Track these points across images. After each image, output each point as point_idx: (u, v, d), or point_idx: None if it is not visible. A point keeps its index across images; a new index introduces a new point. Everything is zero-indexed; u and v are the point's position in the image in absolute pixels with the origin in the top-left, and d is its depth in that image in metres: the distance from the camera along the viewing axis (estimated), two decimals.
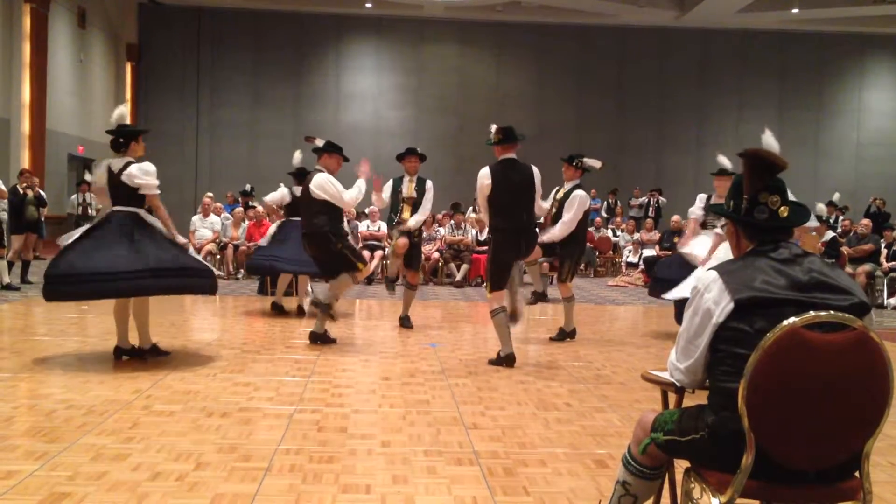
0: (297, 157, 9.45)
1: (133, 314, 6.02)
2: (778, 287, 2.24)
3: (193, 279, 5.88)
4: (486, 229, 13.39)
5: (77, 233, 5.90)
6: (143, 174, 5.84)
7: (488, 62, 22.67)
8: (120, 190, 5.86)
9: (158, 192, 5.98)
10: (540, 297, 8.07)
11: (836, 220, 15.82)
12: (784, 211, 2.42)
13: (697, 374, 2.42)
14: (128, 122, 6.46)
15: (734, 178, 2.53)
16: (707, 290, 2.33)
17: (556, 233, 7.27)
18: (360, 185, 6.89)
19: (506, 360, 6.19)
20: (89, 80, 20.14)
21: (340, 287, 6.89)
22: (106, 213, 6.03)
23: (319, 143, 6.97)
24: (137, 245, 5.64)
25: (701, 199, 7.80)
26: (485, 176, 6.14)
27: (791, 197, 2.49)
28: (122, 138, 6.00)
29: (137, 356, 6.04)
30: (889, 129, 23.12)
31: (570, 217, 7.24)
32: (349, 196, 6.73)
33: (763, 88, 22.81)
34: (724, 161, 7.70)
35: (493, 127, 6.35)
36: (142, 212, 5.94)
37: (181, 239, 6.11)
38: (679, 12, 21.33)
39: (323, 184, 6.66)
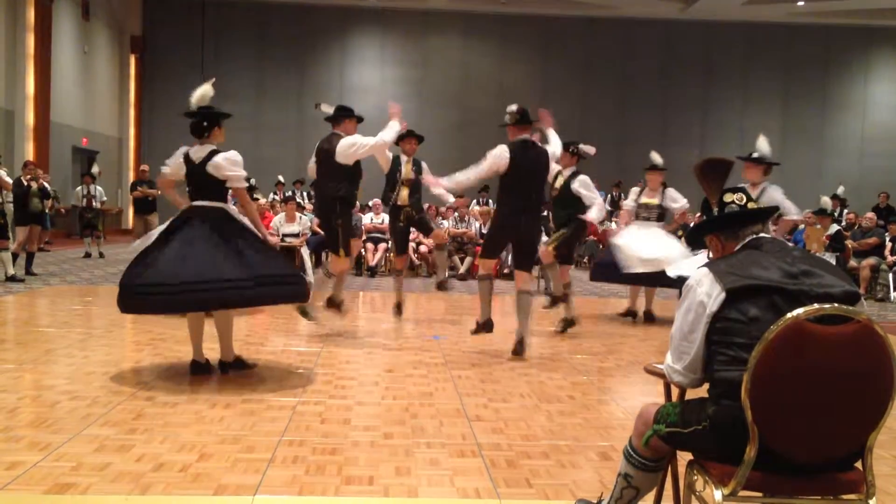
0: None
1: (216, 325, 5.31)
2: (768, 275, 2.27)
3: (291, 286, 5.18)
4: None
5: (155, 233, 5.12)
6: (231, 165, 5.12)
7: (492, 54, 22.61)
8: (203, 181, 5.14)
9: (246, 184, 5.44)
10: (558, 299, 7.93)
11: (840, 214, 15.77)
12: (752, 206, 2.54)
13: (696, 371, 2.43)
14: (209, 102, 5.44)
15: (703, 200, 2.66)
16: (699, 285, 2.36)
17: (594, 216, 7.45)
18: (394, 125, 6.89)
19: (484, 326, 6.47)
20: (93, 72, 20.15)
21: (339, 281, 7.04)
22: (185, 208, 5.23)
23: (328, 109, 7.03)
24: (235, 247, 4.93)
25: (634, 192, 8.66)
26: (503, 154, 6.13)
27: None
28: (207, 122, 5.23)
29: (222, 371, 5.33)
30: (894, 123, 23.02)
31: (598, 199, 7.57)
32: (382, 139, 6.77)
33: (768, 81, 22.73)
34: (655, 157, 8.55)
35: (514, 107, 6.36)
36: (230, 207, 5.25)
37: (272, 238, 5.73)
38: (684, 4, 21.25)
39: (352, 142, 6.65)
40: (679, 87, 22.62)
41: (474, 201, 16.66)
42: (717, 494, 2.25)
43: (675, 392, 2.71)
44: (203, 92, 5.33)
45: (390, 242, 8.31)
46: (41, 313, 8.17)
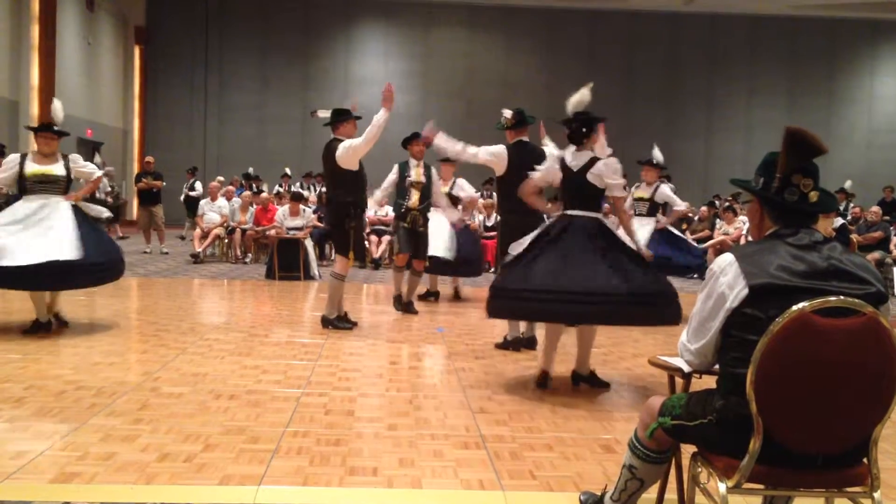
0: (58, 108, 7.22)
1: (578, 338, 5.21)
2: (794, 274, 2.21)
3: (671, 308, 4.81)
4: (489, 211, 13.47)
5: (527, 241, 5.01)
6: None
7: (497, 47, 22.56)
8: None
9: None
10: None
11: (846, 208, 15.72)
12: (814, 196, 2.35)
13: (707, 356, 2.41)
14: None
15: (766, 156, 2.42)
16: (723, 274, 2.30)
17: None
18: (378, 118, 6.41)
19: (512, 343, 6.24)
20: (98, 63, 20.14)
21: (334, 294, 6.91)
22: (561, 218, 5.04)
23: (323, 113, 7.02)
24: (609, 261, 4.68)
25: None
26: (502, 155, 6.11)
27: None
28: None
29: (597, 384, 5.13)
30: None
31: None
32: (365, 139, 6.49)
33: (773, 74, 22.66)
34: (656, 153, 8.98)
35: (508, 112, 6.34)
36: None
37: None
38: None
39: (346, 145, 6.62)
40: (684, 79, 22.57)
41: (479, 195, 16.63)
42: (722, 487, 2.25)
43: (679, 385, 2.71)
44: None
45: (394, 240, 8.29)
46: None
